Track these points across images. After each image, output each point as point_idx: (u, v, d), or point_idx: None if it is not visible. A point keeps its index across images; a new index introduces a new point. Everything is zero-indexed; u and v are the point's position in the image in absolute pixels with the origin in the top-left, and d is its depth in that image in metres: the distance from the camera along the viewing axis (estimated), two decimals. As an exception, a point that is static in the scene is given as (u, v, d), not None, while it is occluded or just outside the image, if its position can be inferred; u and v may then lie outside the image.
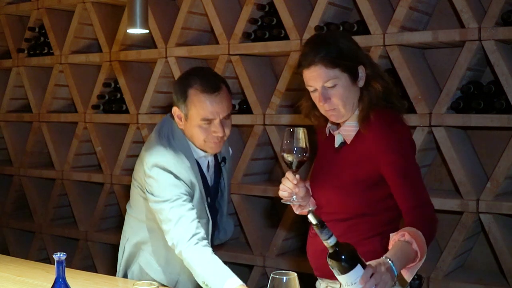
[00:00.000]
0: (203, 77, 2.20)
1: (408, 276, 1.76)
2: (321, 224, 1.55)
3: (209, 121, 2.18)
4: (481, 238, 3.16)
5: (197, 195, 2.28)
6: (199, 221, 2.17)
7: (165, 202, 2.17)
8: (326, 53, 1.92)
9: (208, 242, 2.16)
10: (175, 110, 2.25)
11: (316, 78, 1.94)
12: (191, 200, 2.22)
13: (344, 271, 1.56)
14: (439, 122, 2.97)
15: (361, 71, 1.97)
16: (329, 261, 1.58)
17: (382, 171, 1.93)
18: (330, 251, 1.58)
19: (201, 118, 2.17)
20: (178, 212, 2.15)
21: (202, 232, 2.14)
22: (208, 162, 2.37)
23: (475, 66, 3.01)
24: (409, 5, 3.05)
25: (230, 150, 2.57)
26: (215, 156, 2.41)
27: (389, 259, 1.65)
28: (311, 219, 1.55)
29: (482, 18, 2.89)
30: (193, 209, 2.19)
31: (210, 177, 2.38)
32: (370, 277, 1.56)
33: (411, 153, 1.96)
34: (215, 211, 2.46)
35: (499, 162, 2.89)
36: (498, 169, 2.88)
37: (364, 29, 3.22)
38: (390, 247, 1.75)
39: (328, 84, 1.93)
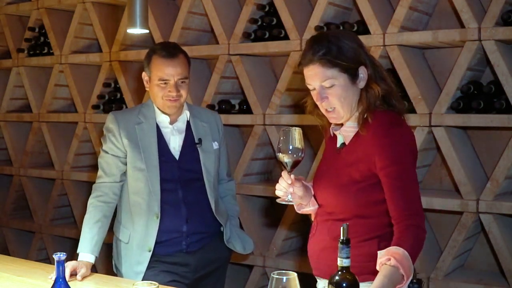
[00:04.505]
0: (164, 46, 2.59)
1: None
2: (347, 242, 1.56)
3: (165, 81, 2.51)
4: (481, 238, 3.16)
5: (145, 148, 2.55)
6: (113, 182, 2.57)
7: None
8: (325, 52, 1.91)
9: (106, 203, 2.54)
10: (143, 75, 2.61)
11: (313, 77, 1.93)
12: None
13: None
14: (439, 122, 2.97)
15: (362, 72, 1.94)
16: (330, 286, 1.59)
17: (378, 174, 1.92)
18: (337, 275, 1.58)
19: (158, 79, 2.52)
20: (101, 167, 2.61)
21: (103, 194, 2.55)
22: (172, 130, 2.60)
23: (475, 66, 3.02)
24: (409, 5, 3.05)
25: (221, 132, 2.75)
26: (188, 132, 2.62)
27: None
28: (342, 233, 1.57)
29: (482, 18, 2.89)
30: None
31: (173, 144, 2.60)
32: None
33: (407, 158, 1.92)
34: (195, 180, 2.62)
35: (499, 162, 2.89)
36: (498, 169, 2.88)
37: (364, 29, 3.22)
38: (378, 268, 1.74)
39: (326, 84, 1.92)
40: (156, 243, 2.52)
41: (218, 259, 2.67)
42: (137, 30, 2.20)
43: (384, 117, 1.95)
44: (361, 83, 1.95)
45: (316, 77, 1.93)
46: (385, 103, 1.98)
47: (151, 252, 2.52)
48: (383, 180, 1.90)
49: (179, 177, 2.57)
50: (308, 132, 3.59)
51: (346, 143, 2.01)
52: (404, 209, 1.86)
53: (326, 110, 1.97)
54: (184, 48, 3.74)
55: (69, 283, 1.88)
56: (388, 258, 1.74)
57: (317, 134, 3.17)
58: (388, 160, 1.88)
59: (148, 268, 2.52)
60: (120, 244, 2.60)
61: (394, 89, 2.01)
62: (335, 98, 1.93)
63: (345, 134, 2.02)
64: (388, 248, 1.78)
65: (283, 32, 3.47)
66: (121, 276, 2.57)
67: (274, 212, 3.70)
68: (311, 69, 1.93)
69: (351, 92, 1.94)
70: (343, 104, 1.94)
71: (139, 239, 2.54)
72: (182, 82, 2.53)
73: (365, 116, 1.94)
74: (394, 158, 1.89)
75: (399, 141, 1.91)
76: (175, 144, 2.59)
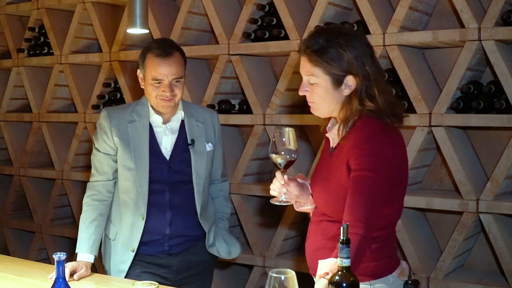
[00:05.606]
0: (159, 44, 2.51)
1: None
2: (347, 242, 1.56)
3: (158, 81, 2.46)
4: (481, 238, 3.16)
5: (137, 147, 2.52)
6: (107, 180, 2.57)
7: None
8: (314, 50, 1.89)
9: (101, 202, 2.53)
10: (138, 72, 2.56)
11: (302, 68, 1.96)
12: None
13: None
14: (439, 122, 2.97)
15: (350, 81, 1.89)
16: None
17: (350, 177, 1.87)
18: (338, 275, 1.57)
19: (152, 78, 2.47)
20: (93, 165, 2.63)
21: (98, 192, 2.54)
22: (164, 130, 2.56)
23: (475, 66, 3.02)
24: (409, 5, 3.05)
25: (217, 132, 2.69)
26: (181, 132, 2.56)
27: None
28: (341, 233, 1.56)
29: (482, 18, 2.89)
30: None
31: (165, 144, 2.55)
32: None
33: (381, 168, 1.84)
34: (184, 182, 2.57)
35: (499, 162, 2.89)
36: (498, 169, 2.88)
37: (364, 29, 3.22)
38: (316, 279, 1.70)
39: (309, 79, 1.93)
40: (140, 242, 2.51)
41: (202, 262, 2.63)
42: (137, 30, 2.20)
43: (367, 125, 1.91)
44: (347, 91, 1.91)
45: (303, 69, 1.95)
46: (374, 114, 1.93)
47: (134, 253, 2.50)
48: (350, 182, 1.85)
49: (168, 179, 2.53)
50: (308, 132, 3.59)
51: (333, 146, 2.00)
52: (357, 215, 1.80)
53: (308, 101, 1.99)
54: (184, 48, 3.73)
55: (69, 283, 1.88)
56: (326, 273, 1.73)
57: (317, 133, 3.17)
58: (361, 165, 1.84)
59: (131, 267, 2.51)
60: (107, 240, 2.59)
61: (383, 108, 1.92)
62: (315, 95, 1.94)
63: (333, 136, 2.00)
64: (328, 260, 1.76)
65: (283, 32, 3.47)
66: (106, 272, 2.57)
67: (274, 212, 3.69)
68: (302, 59, 1.96)
69: (332, 96, 1.92)
70: (323, 105, 1.95)
71: (125, 238, 2.53)
72: (176, 81, 2.48)
73: (347, 124, 1.92)
74: (367, 165, 1.83)
75: (377, 149, 1.86)
76: (167, 144, 2.55)
